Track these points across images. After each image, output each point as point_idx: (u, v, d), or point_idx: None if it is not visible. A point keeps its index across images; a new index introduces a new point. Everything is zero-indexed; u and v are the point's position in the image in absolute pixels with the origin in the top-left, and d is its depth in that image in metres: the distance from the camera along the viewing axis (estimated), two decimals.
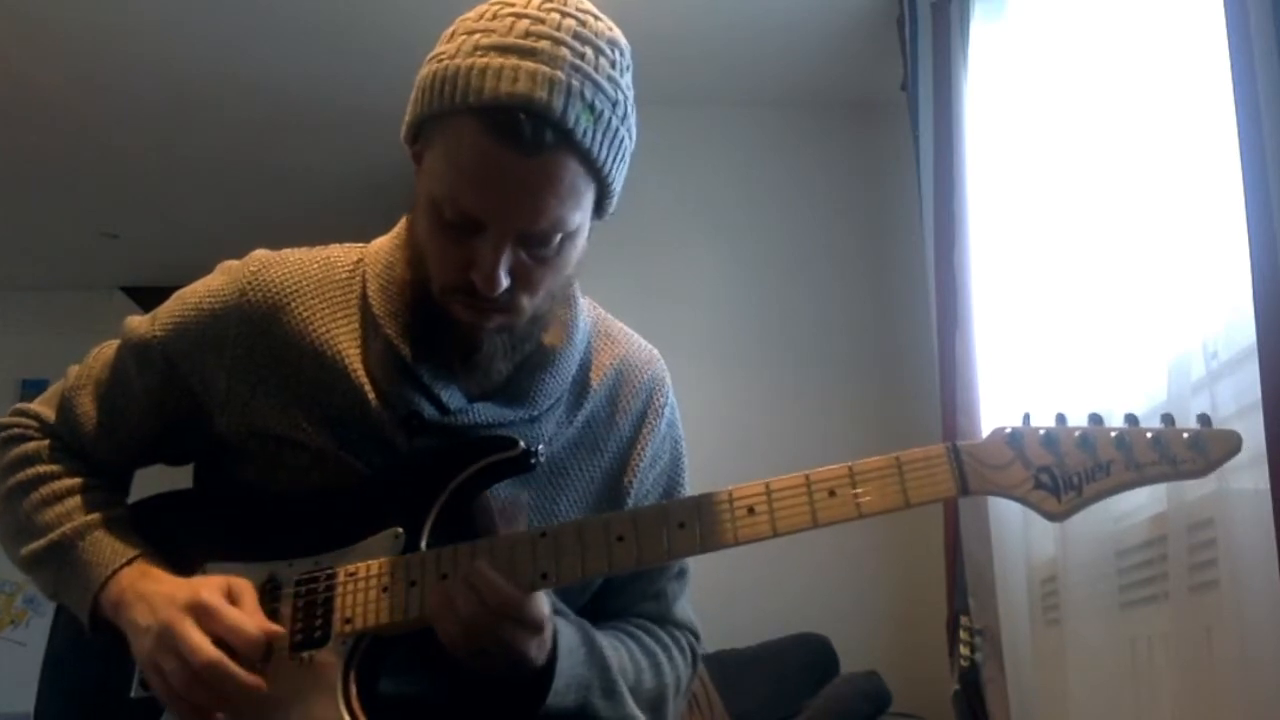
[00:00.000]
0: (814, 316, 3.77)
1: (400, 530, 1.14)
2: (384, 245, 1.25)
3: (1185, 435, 1.03)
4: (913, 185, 3.12)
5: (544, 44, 1.06)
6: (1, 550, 1.29)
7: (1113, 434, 1.04)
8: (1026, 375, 2.45)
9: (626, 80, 1.12)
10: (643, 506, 1.24)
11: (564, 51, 1.06)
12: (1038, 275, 2.43)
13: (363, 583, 1.13)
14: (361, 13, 3.46)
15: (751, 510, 1.07)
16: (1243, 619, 1.61)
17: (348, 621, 1.12)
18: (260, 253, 1.27)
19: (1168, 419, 1.05)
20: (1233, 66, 1.63)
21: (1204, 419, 1.05)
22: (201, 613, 1.10)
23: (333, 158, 4.38)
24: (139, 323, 1.28)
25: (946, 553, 2.76)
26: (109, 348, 1.31)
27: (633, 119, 1.13)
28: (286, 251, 1.26)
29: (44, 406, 1.32)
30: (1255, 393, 1.56)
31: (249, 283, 1.22)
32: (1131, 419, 1.06)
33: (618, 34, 1.13)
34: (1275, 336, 1.52)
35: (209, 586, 1.12)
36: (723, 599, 2.79)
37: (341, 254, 1.27)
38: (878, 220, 3.80)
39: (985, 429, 2.55)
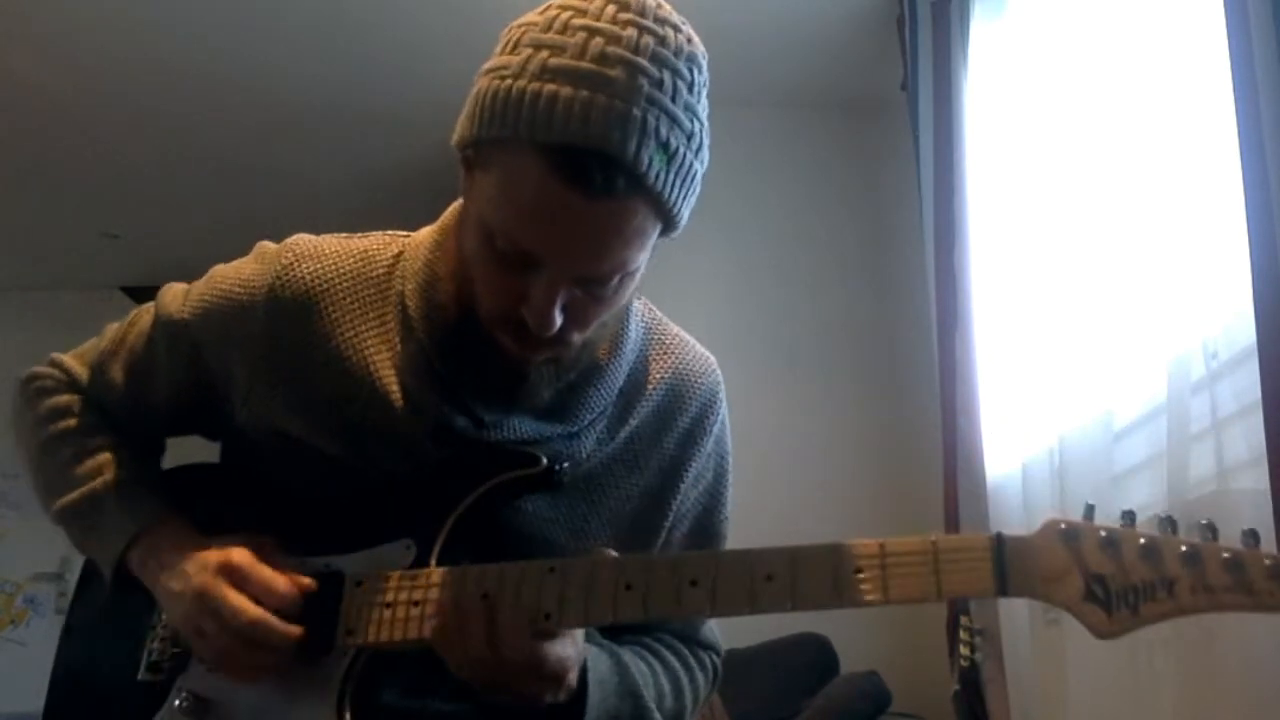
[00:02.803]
0: (814, 316, 3.76)
1: (411, 542, 1.11)
2: (424, 242, 1.19)
3: (1268, 562, 0.89)
4: (913, 185, 3.12)
5: (618, 72, 0.96)
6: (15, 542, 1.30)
7: (1183, 548, 0.92)
8: (1026, 375, 2.46)
9: (703, 102, 1.04)
10: (657, 555, 1.16)
11: (641, 82, 0.96)
12: (1037, 275, 2.43)
13: (368, 595, 1.10)
14: (362, 14, 3.46)
15: (770, 578, 0.99)
16: (1243, 621, 1.61)
17: (350, 634, 1.10)
18: (297, 242, 1.22)
19: (1251, 536, 0.91)
20: (1233, 66, 1.63)
21: None
22: (234, 574, 1.11)
23: (333, 158, 4.38)
24: (173, 298, 1.25)
25: None
26: (147, 314, 1.29)
27: (706, 144, 1.05)
28: (325, 240, 1.22)
29: (78, 363, 1.31)
30: (1255, 393, 1.56)
31: (278, 277, 1.18)
32: (1210, 530, 0.92)
33: (696, 45, 1.03)
34: (1275, 336, 1.52)
35: (238, 547, 1.14)
36: None
37: (380, 247, 1.22)
38: (878, 220, 3.80)
39: (986, 428, 2.56)
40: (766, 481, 3.11)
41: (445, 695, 1.14)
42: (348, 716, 1.08)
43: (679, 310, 1.33)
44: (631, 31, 0.98)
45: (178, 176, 4.52)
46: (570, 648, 1.06)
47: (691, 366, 1.27)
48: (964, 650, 2.57)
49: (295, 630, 1.09)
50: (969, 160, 2.73)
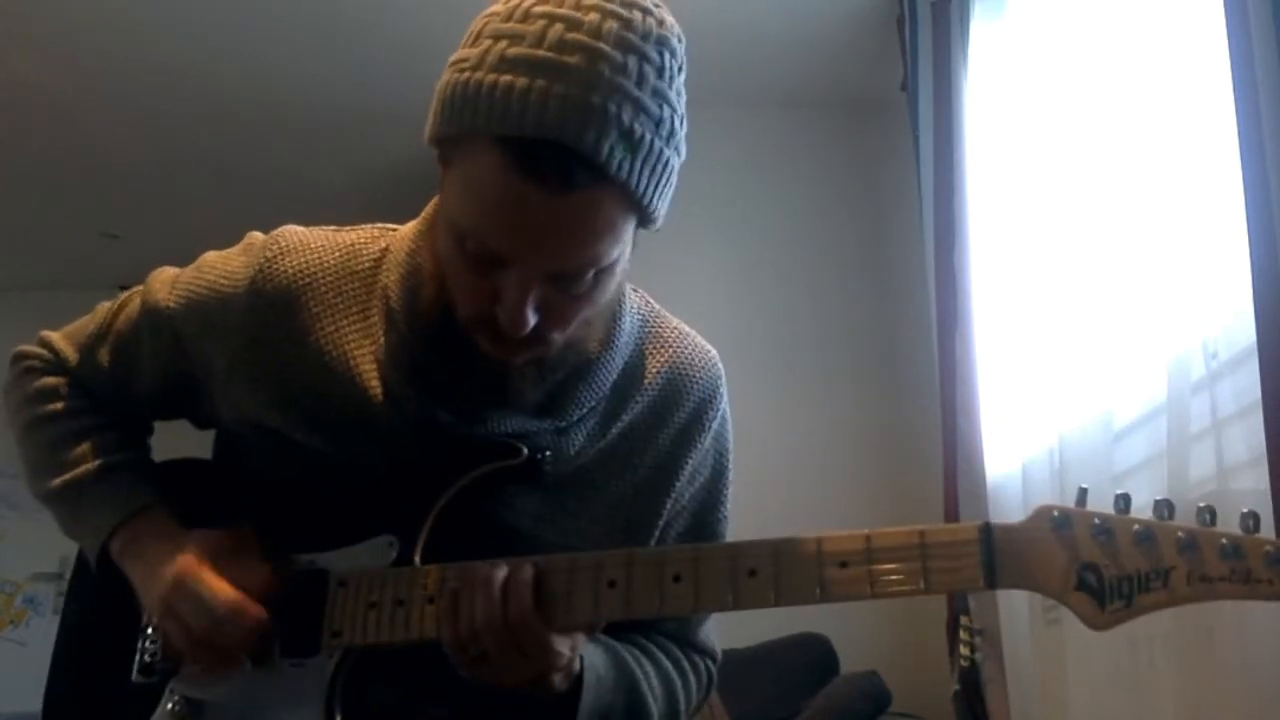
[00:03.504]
0: (814, 316, 3.76)
1: (393, 539, 1.10)
2: (408, 235, 1.16)
3: (1269, 548, 0.84)
4: (913, 185, 3.12)
5: (577, 59, 0.92)
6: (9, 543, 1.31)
7: (1179, 534, 0.87)
8: (1026, 375, 2.46)
9: (676, 87, 0.99)
10: (638, 550, 1.08)
11: (601, 67, 0.92)
12: (1037, 275, 2.43)
13: (352, 595, 1.09)
14: (362, 14, 3.46)
15: (753, 573, 0.97)
16: (1243, 619, 1.61)
17: (335, 635, 1.09)
18: (283, 234, 1.20)
19: (1250, 519, 0.86)
20: (1233, 66, 1.63)
21: None
22: (212, 560, 1.12)
23: (332, 159, 4.38)
24: (161, 285, 1.24)
25: None
26: (136, 298, 1.28)
27: (681, 132, 1.00)
28: (312, 233, 1.20)
29: (67, 343, 1.30)
30: (1255, 393, 1.56)
31: (260, 271, 1.16)
32: (1208, 514, 0.88)
33: (669, 28, 0.98)
34: (1275, 336, 1.52)
35: (212, 538, 1.15)
36: None
37: (367, 241, 1.19)
38: (878, 220, 3.80)
39: (986, 428, 2.56)
40: (766, 481, 3.11)
41: (438, 697, 1.13)
42: (338, 718, 1.08)
43: (679, 311, 1.32)
44: (594, 16, 0.94)
45: (178, 176, 4.52)
46: (565, 643, 1.04)
47: (690, 359, 1.23)
48: (964, 650, 2.57)
49: (266, 615, 1.10)
50: (969, 160, 2.73)
